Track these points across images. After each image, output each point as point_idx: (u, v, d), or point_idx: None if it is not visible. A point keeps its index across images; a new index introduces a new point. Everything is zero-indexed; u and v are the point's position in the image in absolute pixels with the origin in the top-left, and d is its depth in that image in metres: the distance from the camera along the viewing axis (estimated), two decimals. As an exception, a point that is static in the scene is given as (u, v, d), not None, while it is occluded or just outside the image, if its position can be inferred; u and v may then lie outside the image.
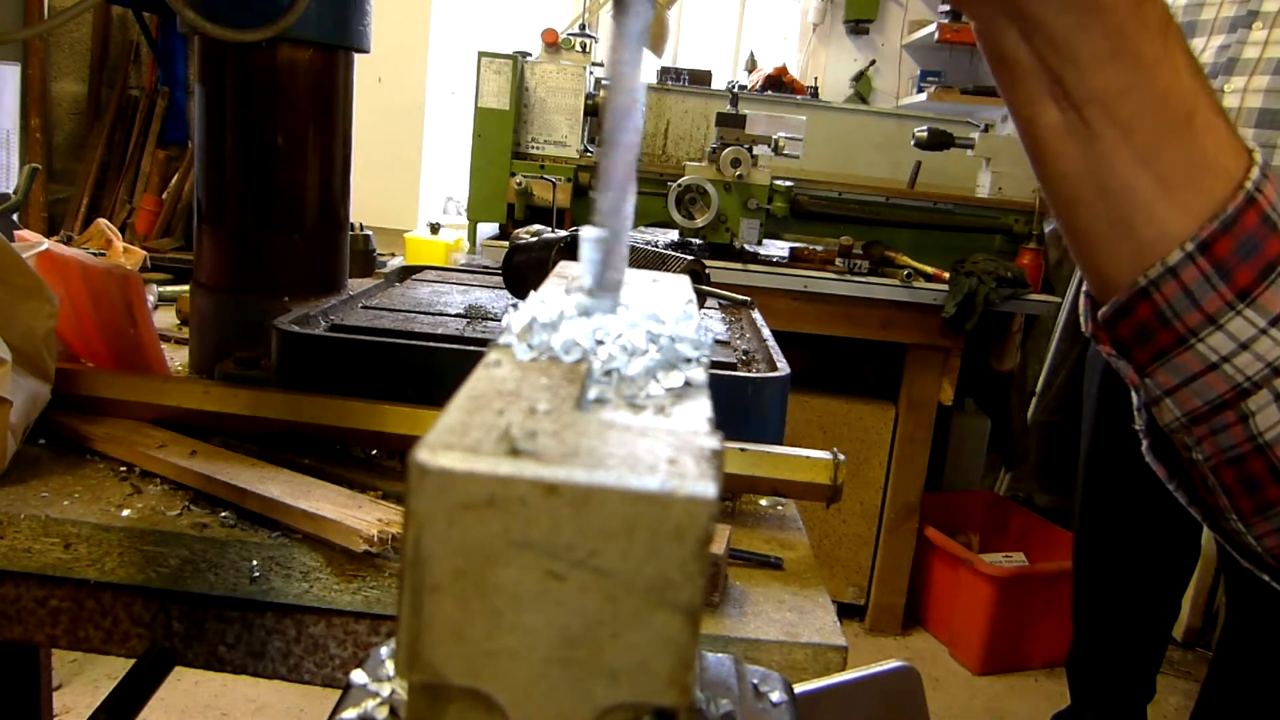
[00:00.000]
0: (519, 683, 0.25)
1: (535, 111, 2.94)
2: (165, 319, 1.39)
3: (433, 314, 1.07)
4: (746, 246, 2.77)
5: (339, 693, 0.38)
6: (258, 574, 0.71)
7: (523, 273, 1.12)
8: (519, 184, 2.77)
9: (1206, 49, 1.99)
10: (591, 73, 3.05)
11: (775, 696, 0.38)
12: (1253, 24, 1.93)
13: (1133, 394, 0.59)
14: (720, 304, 1.31)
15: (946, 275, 2.75)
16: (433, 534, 0.24)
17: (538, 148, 2.95)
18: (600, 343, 0.34)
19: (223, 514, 0.74)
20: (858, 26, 4.34)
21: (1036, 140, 0.55)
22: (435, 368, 0.87)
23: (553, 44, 2.93)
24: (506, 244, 1.20)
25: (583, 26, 3.08)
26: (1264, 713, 1.79)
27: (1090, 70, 0.51)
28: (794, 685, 0.42)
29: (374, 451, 0.88)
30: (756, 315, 1.22)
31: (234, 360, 0.94)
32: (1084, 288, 0.58)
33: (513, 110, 2.87)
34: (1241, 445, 0.54)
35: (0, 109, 2.94)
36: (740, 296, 1.18)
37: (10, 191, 1.54)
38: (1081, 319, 0.59)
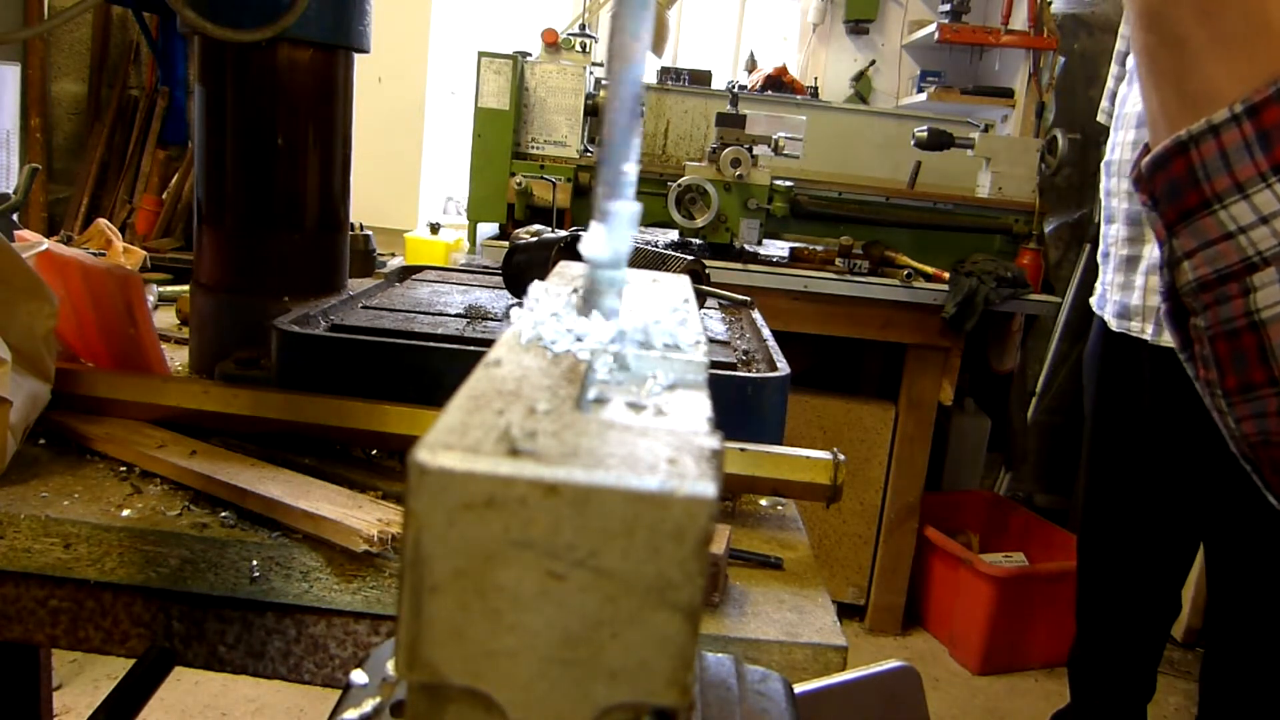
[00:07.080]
0: (519, 683, 0.25)
1: (535, 111, 2.94)
2: (165, 319, 1.39)
3: (433, 314, 1.07)
4: (746, 246, 2.77)
5: (339, 693, 0.38)
6: (258, 574, 0.71)
7: (523, 273, 1.12)
8: (519, 184, 2.77)
9: None
10: (591, 73, 3.05)
11: (775, 697, 0.38)
12: None
13: (1159, 250, 0.59)
14: (720, 304, 1.31)
15: (946, 275, 2.75)
16: (432, 534, 0.24)
17: (538, 148, 2.95)
18: (600, 342, 0.34)
19: (223, 514, 0.74)
20: (858, 26, 4.34)
21: None
22: (435, 368, 0.87)
23: (553, 44, 2.93)
24: (506, 244, 1.20)
25: (583, 26, 3.08)
26: (1262, 701, 1.78)
27: None
28: (794, 685, 0.42)
29: (374, 451, 0.88)
30: (756, 315, 1.21)
31: (234, 360, 0.94)
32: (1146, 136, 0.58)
33: (513, 110, 2.87)
34: (1239, 319, 0.54)
35: (0, 109, 2.94)
36: (740, 296, 1.18)
37: (10, 191, 1.54)
38: (1131, 167, 0.59)
